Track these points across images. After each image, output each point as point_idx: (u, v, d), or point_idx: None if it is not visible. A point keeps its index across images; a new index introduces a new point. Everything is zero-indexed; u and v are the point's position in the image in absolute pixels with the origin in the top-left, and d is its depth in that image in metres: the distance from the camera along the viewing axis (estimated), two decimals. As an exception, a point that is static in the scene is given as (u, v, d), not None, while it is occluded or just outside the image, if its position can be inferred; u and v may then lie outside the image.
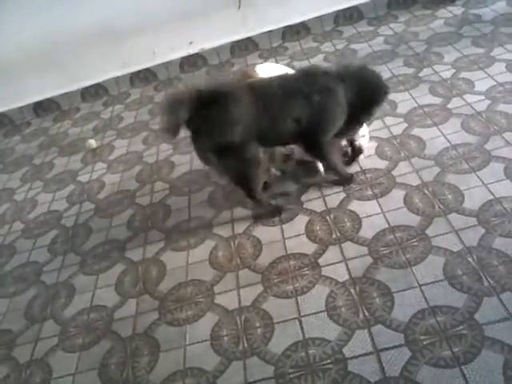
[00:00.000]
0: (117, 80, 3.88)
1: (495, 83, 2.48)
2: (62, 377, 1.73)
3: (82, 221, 2.50)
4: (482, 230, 1.73)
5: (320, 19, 3.76)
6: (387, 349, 1.46)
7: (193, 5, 3.58)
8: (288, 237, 1.99)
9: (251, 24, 3.74)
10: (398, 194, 2.01)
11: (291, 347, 1.56)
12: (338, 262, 1.80)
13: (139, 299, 1.93)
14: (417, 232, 1.81)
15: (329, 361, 1.48)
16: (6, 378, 1.78)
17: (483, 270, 1.59)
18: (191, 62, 3.86)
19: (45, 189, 2.90)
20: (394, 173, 2.12)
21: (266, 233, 2.04)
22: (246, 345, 1.61)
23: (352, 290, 1.67)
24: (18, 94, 3.83)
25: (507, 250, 1.63)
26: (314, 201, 2.12)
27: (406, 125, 2.40)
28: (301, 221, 2.04)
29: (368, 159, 2.25)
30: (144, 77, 3.89)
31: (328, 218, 2.01)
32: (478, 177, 1.96)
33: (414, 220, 1.86)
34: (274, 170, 2.31)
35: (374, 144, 2.32)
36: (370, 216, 1.95)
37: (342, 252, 1.83)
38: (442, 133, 2.26)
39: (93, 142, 3.16)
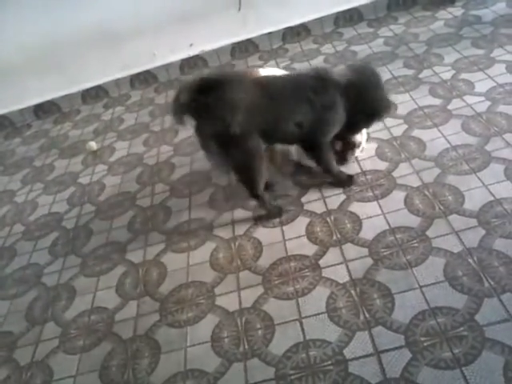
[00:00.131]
0: (117, 82, 3.88)
1: (495, 84, 2.48)
2: (63, 379, 1.73)
3: (82, 223, 2.50)
4: (483, 231, 1.73)
5: (320, 21, 3.76)
6: (388, 350, 1.46)
7: (193, 6, 3.57)
8: (288, 238, 1.99)
9: (251, 26, 3.74)
10: (398, 196, 2.01)
11: (292, 349, 1.56)
12: (338, 264, 1.80)
13: (140, 301, 1.93)
14: (417, 233, 1.81)
15: (329, 362, 1.48)
16: (7, 380, 1.78)
17: (484, 271, 1.59)
18: (191, 63, 3.86)
19: (45, 191, 2.90)
20: (395, 174, 2.12)
21: (266, 234, 2.04)
22: (246, 346, 1.61)
23: (352, 292, 1.67)
24: (18, 96, 3.83)
25: (508, 251, 1.63)
26: (314, 202, 2.12)
27: (406, 126, 2.40)
28: (301, 222, 2.04)
29: (368, 161, 2.25)
30: (144, 79, 3.89)
31: (328, 219, 2.01)
32: (479, 178, 1.96)
33: (414, 221, 1.86)
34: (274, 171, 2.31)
35: (374, 145, 2.33)
36: (371, 217, 1.95)
37: (342, 253, 1.83)
38: (442, 134, 2.26)
39: (93, 144, 3.16)
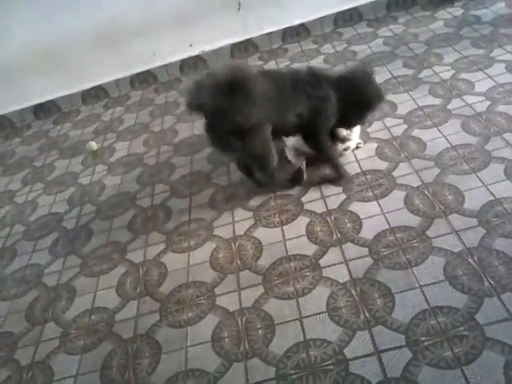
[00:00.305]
0: (117, 82, 3.89)
1: (495, 84, 2.48)
2: (64, 379, 1.73)
3: (82, 223, 2.50)
4: (483, 231, 1.73)
5: (320, 21, 3.76)
6: (388, 350, 1.46)
7: (193, 7, 3.58)
8: (288, 238, 1.99)
9: (251, 26, 3.74)
10: (398, 195, 2.01)
11: (292, 348, 1.56)
12: (338, 263, 1.80)
13: (140, 301, 1.93)
14: (417, 233, 1.81)
15: (330, 362, 1.48)
16: (8, 380, 1.78)
17: (484, 271, 1.59)
18: (191, 64, 3.86)
19: (45, 191, 2.90)
20: (395, 174, 2.13)
21: (266, 234, 2.04)
22: (247, 346, 1.62)
23: (353, 291, 1.67)
24: (18, 97, 3.84)
25: (508, 250, 1.63)
26: (314, 202, 2.13)
27: (405, 126, 2.40)
28: (301, 222, 2.05)
29: (368, 160, 2.26)
30: (144, 79, 3.90)
31: (328, 219, 2.01)
32: (479, 177, 1.96)
33: (414, 221, 1.86)
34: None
35: (374, 145, 2.33)
36: (371, 217, 1.95)
37: (342, 253, 1.83)
38: (442, 134, 2.26)
39: (93, 144, 3.16)
